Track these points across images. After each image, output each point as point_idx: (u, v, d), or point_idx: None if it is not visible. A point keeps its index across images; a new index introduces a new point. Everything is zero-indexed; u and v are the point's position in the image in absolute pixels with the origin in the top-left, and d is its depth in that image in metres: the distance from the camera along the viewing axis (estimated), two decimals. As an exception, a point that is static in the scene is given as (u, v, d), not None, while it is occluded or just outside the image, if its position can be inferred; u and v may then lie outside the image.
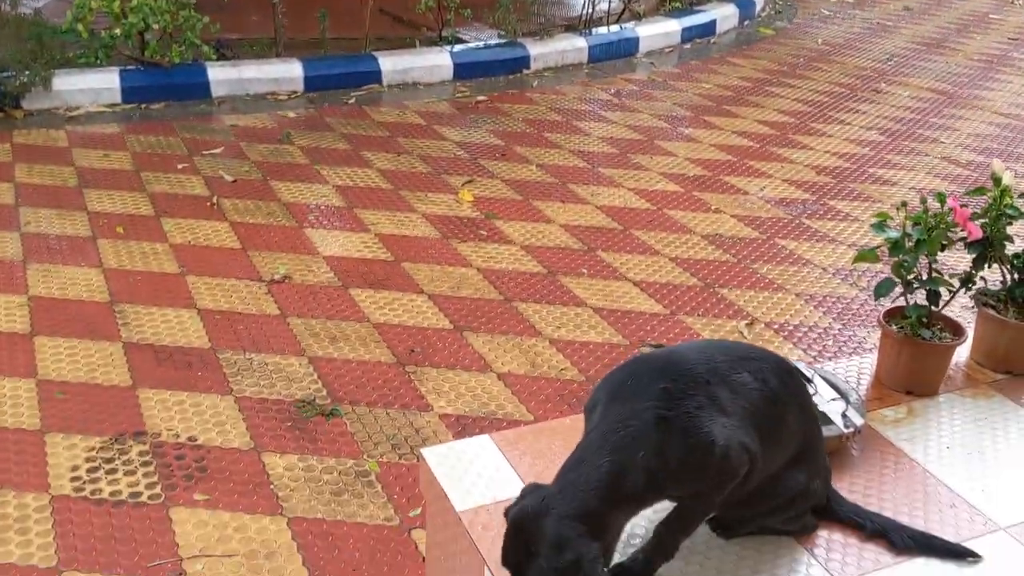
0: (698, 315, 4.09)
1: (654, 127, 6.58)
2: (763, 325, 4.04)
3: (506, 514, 1.73)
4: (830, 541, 1.99)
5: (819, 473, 1.98)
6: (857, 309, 4.20)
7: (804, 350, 3.86)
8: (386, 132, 6.18)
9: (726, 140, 6.37)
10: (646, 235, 4.86)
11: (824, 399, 2.32)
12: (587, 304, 4.13)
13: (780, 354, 2.04)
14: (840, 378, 2.45)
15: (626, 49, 8.32)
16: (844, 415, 2.27)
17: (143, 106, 6.40)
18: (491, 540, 1.95)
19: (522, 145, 6.08)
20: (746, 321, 4.06)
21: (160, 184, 5.18)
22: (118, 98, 6.38)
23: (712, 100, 7.27)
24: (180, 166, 5.45)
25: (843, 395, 2.35)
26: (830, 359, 3.78)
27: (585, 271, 4.43)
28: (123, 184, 5.15)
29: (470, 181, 5.43)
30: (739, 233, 4.94)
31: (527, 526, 1.69)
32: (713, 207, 5.25)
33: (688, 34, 8.90)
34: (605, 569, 1.67)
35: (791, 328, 4.03)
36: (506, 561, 1.71)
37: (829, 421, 2.25)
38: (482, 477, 2.11)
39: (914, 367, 2.50)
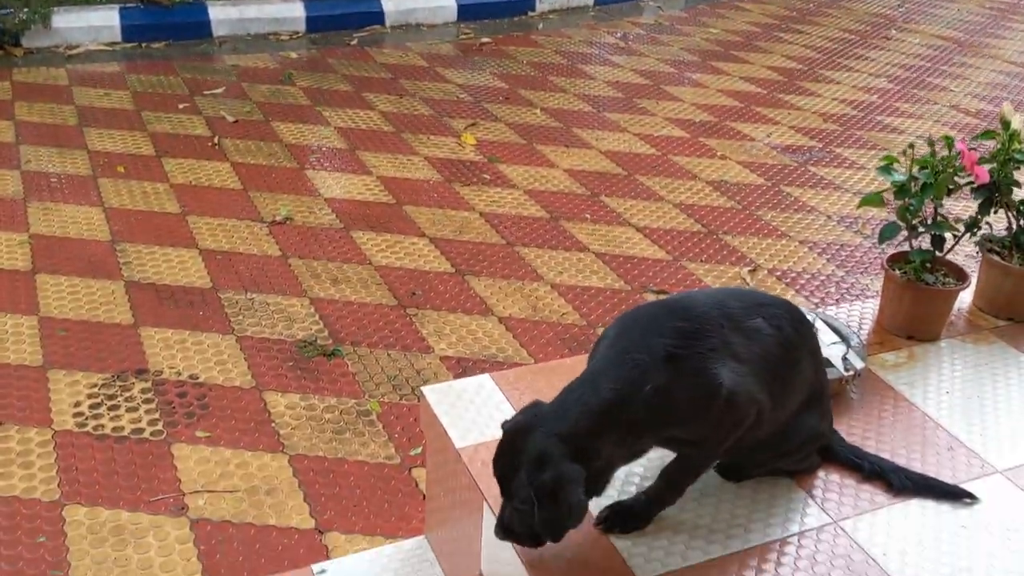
0: (701, 261, 4.08)
1: (660, 72, 6.50)
2: (766, 272, 4.03)
3: (503, 427, 1.74)
4: (827, 482, 2.00)
5: (826, 415, 1.99)
6: (861, 257, 4.19)
7: (807, 297, 3.85)
8: (388, 74, 6.11)
9: (733, 86, 6.30)
10: (650, 181, 4.82)
11: (825, 342, 2.32)
12: (589, 249, 4.11)
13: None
14: (842, 322, 2.44)
15: (633, -8, 8.19)
16: (844, 358, 2.27)
17: (143, 45, 6.32)
18: (490, 476, 1.95)
19: (526, 88, 6.01)
20: (749, 268, 4.05)
21: (161, 124, 5.14)
22: (118, 36, 6.31)
23: (720, 45, 7.17)
24: (181, 106, 5.40)
25: (844, 339, 2.35)
26: (832, 306, 3.77)
27: (588, 216, 4.41)
28: (124, 123, 5.11)
29: (473, 124, 5.38)
30: (744, 180, 4.90)
31: (517, 440, 1.68)
32: (719, 153, 5.21)
33: (697, -22, 8.74)
34: (585, 496, 1.63)
35: (794, 275, 4.02)
36: (495, 473, 1.71)
37: (829, 364, 2.25)
38: (482, 415, 2.12)
39: (916, 312, 2.49)
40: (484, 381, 2.24)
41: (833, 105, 6.04)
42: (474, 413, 2.13)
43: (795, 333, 1.87)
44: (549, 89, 6.03)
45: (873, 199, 2.43)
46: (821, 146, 5.37)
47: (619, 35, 7.31)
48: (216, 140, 4.95)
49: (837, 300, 3.84)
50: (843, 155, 5.26)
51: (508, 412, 2.13)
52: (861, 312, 2.67)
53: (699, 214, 4.50)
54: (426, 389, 2.20)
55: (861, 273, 4.05)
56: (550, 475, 1.61)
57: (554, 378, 2.22)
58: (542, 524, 1.64)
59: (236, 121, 5.22)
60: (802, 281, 3.98)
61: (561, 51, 6.81)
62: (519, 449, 1.66)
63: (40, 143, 4.80)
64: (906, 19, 8.21)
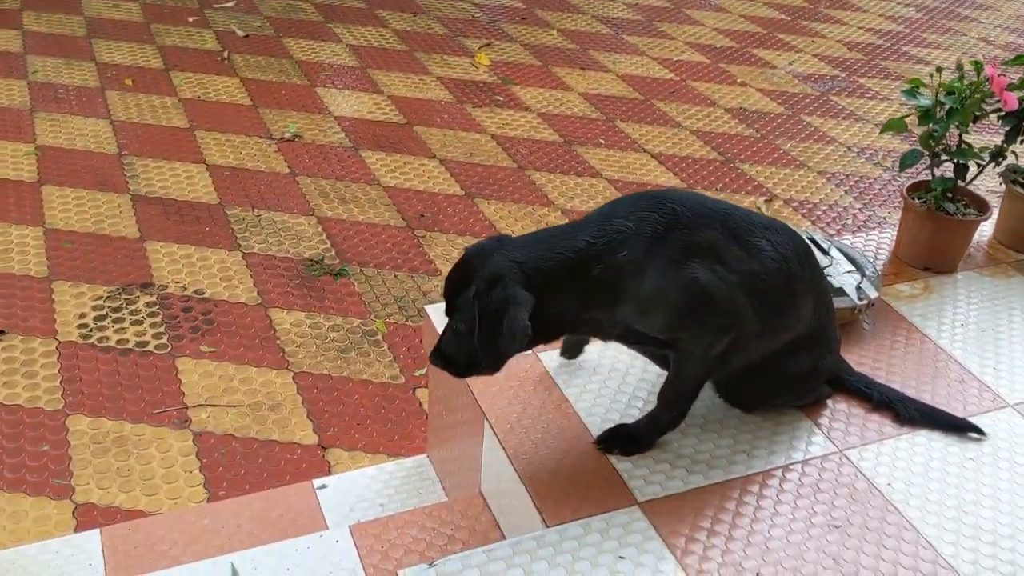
0: (716, 189, 4.00)
1: (682, -4, 6.32)
2: (782, 202, 3.95)
3: (465, 249, 1.70)
4: (835, 411, 1.97)
5: (829, 351, 1.93)
6: (880, 189, 4.10)
7: (823, 228, 3.78)
8: (404, -9, 5.96)
9: (757, 11, 6.13)
10: (668, 106, 4.72)
11: (839, 271, 2.27)
12: (602, 175, 4.04)
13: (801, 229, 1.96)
14: (858, 251, 2.39)
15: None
16: (859, 287, 2.22)
17: (153, -44, 6.17)
18: (492, 396, 1.94)
19: (544, 8, 5.86)
20: (765, 197, 3.97)
21: (170, 37, 5.04)
22: (128, -54, 6.15)
23: (745, -30, 6.95)
24: (191, 19, 5.29)
25: (859, 268, 2.30)
26: (849, 236, 3.71)
27: (603, 141, 4.33)
28: (133, 36, 5.01)
29: (488, 45, 5.26)
30: (764, 108, 4.79)
31: (475, 260, 1.63)
32: (739, 80, 5.08)
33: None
34: (531, 331, 1.57)
35: (811, 205, 3.94)
36: (444, 291, 1.67)
37: (843, 293, 2.20)
38: (485, 335, 2.09)
39: (934, 242, 2.43)
40: (489, 301, 2.20)
41: (858, 34, 5.87)
42: (478, 333, 2.10)
43: (800, 266, 1.80)
44: (567, 10, 5.88)
45: (896, 124, 2.35)
46: (844, 76, 5.24)
47: (641, -43, 7.09)
48: (226, 55, 4.86)
49: (854, 232, 3.77)
50: (866, 85, 5.12)
51: (512, 332, 2.10)
52: (878, 242, 2.61)
53: (716, 142, 4.41)
54: (430, 308, 2.16)
55: (880, 205, 3.97)
56: (499, 293, 1.56)
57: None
58: (481, 343, 1.57)
59: (246, 36, 5.11)
60: (819, 212, 3.90)
61: (581, -28, 6.62)
62: (474, 268, 1.61)
63: (48, 53, 4.72)
64: (939, -53, 7.94)
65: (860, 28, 5.97)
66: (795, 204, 3.94)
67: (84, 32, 5.00)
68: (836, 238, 2.51)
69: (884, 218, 3.86)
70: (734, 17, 6.00)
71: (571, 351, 2.03)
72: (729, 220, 1.74)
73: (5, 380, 2.70)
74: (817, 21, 6.04)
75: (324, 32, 5.26)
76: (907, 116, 2.37)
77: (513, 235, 1.71)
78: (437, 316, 2.14)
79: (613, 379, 2.00)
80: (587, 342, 2.03)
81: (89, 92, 4.38)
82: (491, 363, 1.63)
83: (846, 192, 4.06)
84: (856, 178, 4.18)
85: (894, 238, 2.57)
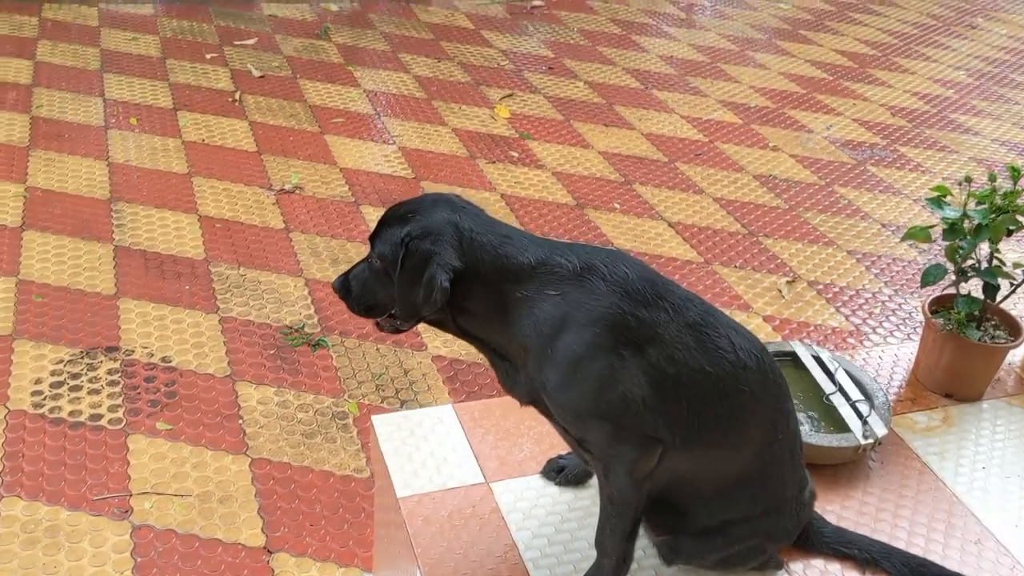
0: (735, 266, 3.74)
1: (720, 48, 6.09)
2: (806, 283, 3.68)
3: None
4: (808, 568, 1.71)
5: (786, 499, 1.64)
6: (914, 274, 3.81)
7: (847, 316, 3.50)
8: (430, 34, 5.80)
9: (797, 69, 5.87)
10: (691, 170, 4.48)
11: (845, 400, 2.00)
12: (613, 244, 3.80)
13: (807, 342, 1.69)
14: (868, 374, 2.12)
15: (703, -40, 7.71)
16: (865, 421, 1.95)
17: (182, -13, 6.10)
18: (430, 537, 1.70)
19: (573, 59, 5.66)
20: (787, 277, 3.70)
21: (184, 74, 4.92)
22: (157, -23, 6.08)
23: (789, 23, 6.71)
24: (209, 56, 5.17)
25: (868, 396, 2.03)
26: (874, 330, 3.43)
27: (617, 206, 4.09)
28: (146, 71, 4.90)
29: (510, 95, 5.06)
30: (795, 175, 4.52)
31: (425, 205, 1.52)
32: (771, 144, 4.83)
33: (773, -53, 8.22)
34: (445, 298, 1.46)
35: (836, 289, 3.67)
36: (381, 218, 1.55)
37: (846, 428, 1.94)
38: (434, 457, 1.86)
39: (957, 368, 2.15)
40: (445, 413, 1.97)
41: (903, 98, 5.58)
42: (426, 454, 1.87)
43: (760, 381, 1.54)
44: (597, 61, 5.67)
45: (919, 233, 2.09)
46: (885, 144, 4.95)
47: (682, 5, 6.88)
48: (238, 96, 4.72)
49: (880, 323, 3.48)
50: (908, 156, 4.83)
51: (464, 456, 1.87)
52: (896, 356, 2.34)
53: (740, 211, 4.15)
54: (376, 419, 1.94)
55: (911, 294, 3.68)
56: (428, 247, 1.45)
57: (526, 417, 1.96)
58: (399, 289, 1.48)
59: (262, 76, 4.98)
60: (844, 297, 3.62)
61: (617, 19, 6.42)
62: (420, 211, 1.50)
63: (56, 87, 4.62)
64: (995, 6, 7.62)
65: (906, 92, 5.68)
66: (819, 287, 3.67)
67: (98, 65, 4.90)
68: (846, 356, 2.24)
69: (914, 309, 3.57)
70: (773, 75, 5.74)
71: (558, 473, 1.80)
72: (688, 307, 1.50)
73: (-57, 452, 2.53)
74: (861, 82, 5.76)
75: (342, 75, 5.10)
76: (932, 226, 2.11)
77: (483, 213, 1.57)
78: (384, 430, 1.91)
79: (571, 521, 1.75)
80: (589, 475, 1.79)
81: (91, 131, 4.26)
82: (405, 312, 1.52)
83: (876, 276, 3.78)
84: (889, 260, 3.90)
85: (915, 353, 2.30)
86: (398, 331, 1.59)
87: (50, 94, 4.54)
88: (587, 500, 1.79)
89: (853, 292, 3.66)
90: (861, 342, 3.36)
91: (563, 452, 1.86)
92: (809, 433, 1.91)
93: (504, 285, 1.48)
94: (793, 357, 2.14)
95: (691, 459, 1.54)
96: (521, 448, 1.90)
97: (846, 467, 1.94)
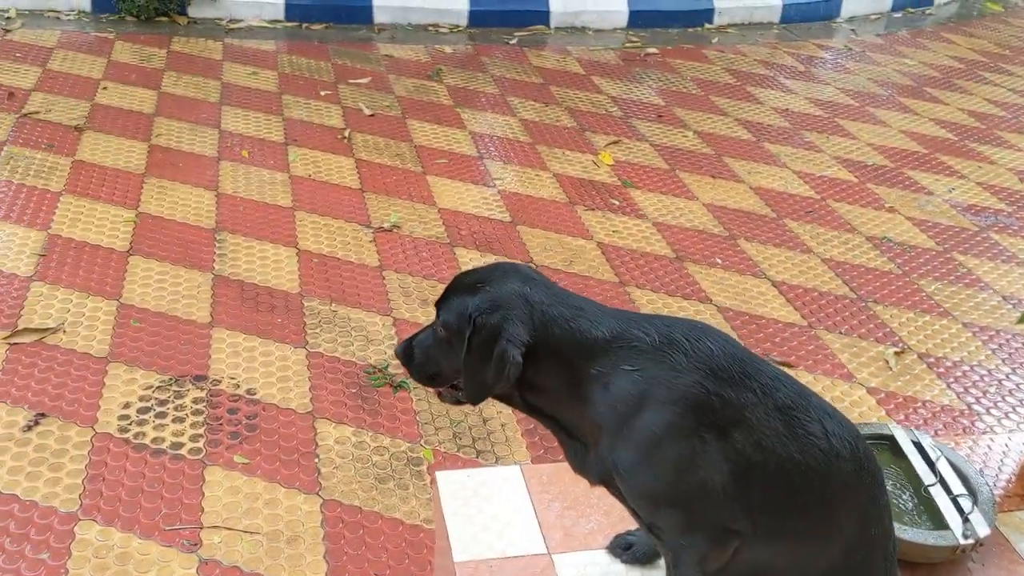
0: (840, 332, 3.56)
1: (839, 103, 5.90)
2: (915, 356, 3.47)
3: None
4: None
5: None
6: (1035, 352, 3.56)
7: (959, 393, 3.28)
8: (540, 79, 5.80)
9: (920, 128, 5.63)
10: (800, 228, 4.31)
11: (946, 492, 1.84)
12: (712, 301, 3.67)
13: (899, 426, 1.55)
14: (973, 466, 1.95)
15: (826, 11, 7.54)
16: (966, 519, 1.79)
17: (304, 26, 6.28)
18: (482, 607, 1.63)
19: (684, 107, 5.57)
20: (896, 348, 3.50)
21: (298, 110, 5.04)
22: (281, 14, 6.29)
23: (914, 80, 6.46)
24: (323, 93, 5.29)
25: (972, 490, 1.87)
26: (987, 411, 3.20)
27: (719, 261, 3.96)
28: (262, 105, 5.04)
29: (616, 142, 5.00)
30: (912, 239, 4.31)
31: (496, 275, 1.45)
32: (887, 205, 4.62)
33: (901, 1, 7.98)
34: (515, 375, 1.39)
35: (949, 364, 3.44)
36: (449, 284, 1.51)
37: (944, 525, 1.78)
38: (496, 521, 1.78)
39: (1077, 466, 1.97)
40: (512, 474, 1.90)
41: (1035, 162, 5.28)
42: (488, 516, 1.80)
43: (855, 470, 1.41)
44: (708, 110, 5.56)
45: (1037, 318, 1.92)
46: (1011, 210, 4.68)
47: (801, 57, 6.72)
48: (347, 133, 4.80)
49: (995, 403, 3.25)
50: (1036, 224, 4.55)
51: (527, 522, 1.79)
52: (1007, 447, 2.16)
53: (849, 275, 3.97)
54: (441, 475, 1.88)
55: (1032, 373, 3.43)
56: (497, 321, 1.38)
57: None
58: (467, 367, 1.41)
59: (373, 115, 5.05)
60: (957, 373, 3.40)
61: (732, 69, 6.30)
62: (491, 282, 1.43)
63: (176, 117, 4.79)
64: None
65: (1038, 155, 5.37)
66: (930, 360, 3.45)
67: (217, 98, 5.07)
68: (949, 445, 2.07)
69: (1035, 391, 3.32)
70: (893, 132, 5.52)
71: (626, 551, 1.71)
72: (778, 388, 1.39)
73: (30, 471, 2.59)
74: (988, 144, 5.48)
75: (450, 117, 5.14)
76: (1052, 310, 1.94)
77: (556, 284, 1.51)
78: (447, 488, 1.85)
79: (634, 604, 1.65)
80: (659, 555, 1.70)
81: (204, 160, 4.39)
82: (473, 392, 1.45)
83: (993, 352, 3.54)
84: (1008, 335, 3.65)
85: (1030, 444, 2.12)
86: (459, 403, 1.53)
87: (169, 124, 4.71)
88: (649, 581, 1.69)
89: (967, 368, 3.43)
90: (973, 423, 3.13)
91: (633, 528, 1.76)
92: (903, 528, 1.76)
93: (577, 361, 1.41)
94: (891, 441, 1.99)
95: (773, 553, 1.42)
96: (589, 519, 1.81)
97: (943, 567, 1.78)
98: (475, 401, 1.47)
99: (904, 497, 1.88)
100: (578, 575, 1.69)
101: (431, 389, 1.57)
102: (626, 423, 1.37)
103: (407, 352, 1.51)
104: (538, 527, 1.78)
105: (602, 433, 1.41)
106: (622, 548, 1.73)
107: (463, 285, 1.47)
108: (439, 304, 1.49)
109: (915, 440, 1.97)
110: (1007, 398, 3.29)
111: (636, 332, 1.41)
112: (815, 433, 1.38)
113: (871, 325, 3.63)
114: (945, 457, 1.93)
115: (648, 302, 3.62)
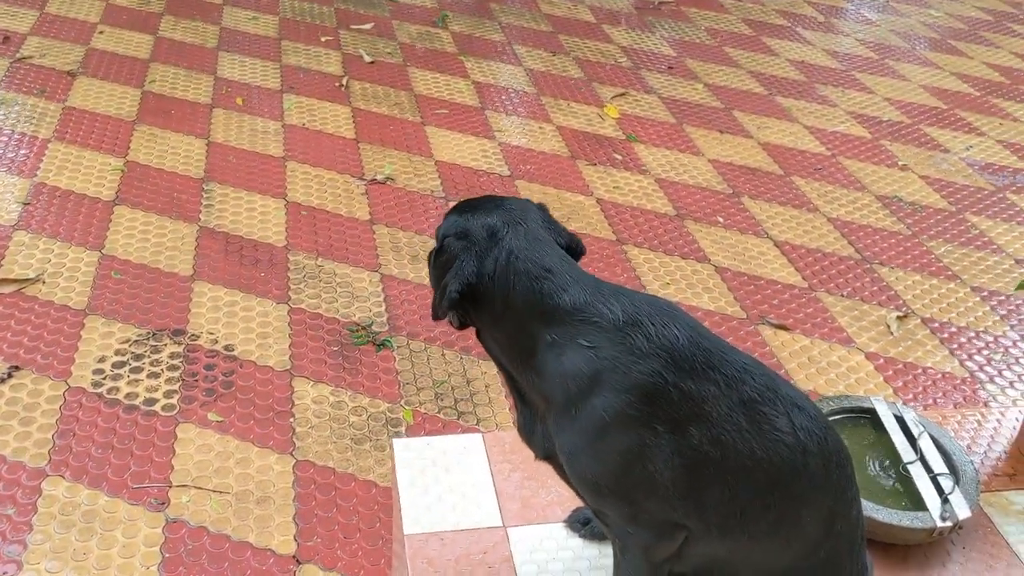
0: (842, 295, 3.45)
1: (857, 56, 5.70)
2: (919, 320, 3.36)
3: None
4: None
5: None
6: (1046, 318, 3.43)
7: (962, 360, 3.17)
8: (549, 27, 5.64)
9: (940, 82, 5.43)
10: (808, 185, 4.17)
11: (925, 471, 1.75)
12: (710, 261, 3.56)
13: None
14: (959, 443, 1.86)
15: (850, -40, 7.26)
16: (946, 499, 1.70)
17: (309, -31, 6.12)
18: (430, 581, 1.56)
19: (695, 59, 5.40)
20: (899, 312, 3.38)
21: (297, 56, 4.92)
22: (286, -43, 6.13)
23: (938, 31, 6.24)
24: (324, 39, 5.16)
25: (955, 469, 1.77)
26: (991, 379, 3.09)
27: (721, 220, 3.84)
28: (260, 51, 4.92)
29: (623, 94, 4.85)
30: (923, 199, 4.16)
31: (488, 207, 1.39)
32: (900, 162, 4.46)
33: (930, -51, 7.68)
34: (456, 299, 1.34)
35: (954, 329, 3.33)
36: (459, 202, 1.48)
37: (922, 506, 1.69)
38: (452, 492, 1.71)
39: (1070, 445, 1.87)
40: (472, 443, 1.83)
41: (1059, 120, 5.09)
42: (444, 487, 1.72)
43: (823, 466, 1.32)
44: (721, 62, 5.39)
45: (1032, 290, 1.81)
46: (1031, 169, 4.51)
47: (822, 7, 6.49)
48: (344, 81, 4.68)
49: (999, 371, 3.14)
50: (1056, 184, 4.39)
51: (485, 494, 1.72)
52: (999, 423, 2.06)
53: (856, 235, 3.84)
54: (398, 443, 1.81)
55: (1040, 341, 3.31)
56: (459, 247, 1.35)
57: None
58: (430, 274, 1.45)
59: (373, 62, 4.93)
60: (962, 339, 3.29)
61: (749, 19, 6.10)
62: (475, 211, 1.39)
63: (171, 62, 4.69)
64: None
65: (1063, 112, 5.17)
66: (934, 325, 3.34)
67: (215, 43, 4.95)
68: (933, 421, 1.97)
69: (1042, 359, 3.20)
70: (912, 87, 5.33)
71: (584, 525, 1.65)
72: (745, 380, 1.30)
73: (1, 424, 2.54)
74: (1012, 100, 5.28)
75: (453, 65, 5.00)
76: (1049, 280, 1.83)
77: (559, 232, 1.44)
78: (404, 456, 1.78)
79: (589, 582, 1.58)
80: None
81: (198, 108, 4.29)
82: (432, 306, 1.42)
83: (1001, 317, 3.42)
84: (1019, 300, 3.52)
85: (1022, 420, 2.01)
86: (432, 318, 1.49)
87: (164, 69, 4.61)
88: (611, 559, 1.61)
89: (973, 334, 3.32)
90: (975, 392, 3.03)
91: (591, 502, 1.69)
92: (876, 508, 1.67)
93: (533, 321, 1.32)
94: (872, 415, 1.90)
95: (731, 549, 1.34)
96: (549, 491, 1.73)
97: (920, 549, 1.69)
98: (432, 315, 1.43)
99: (883, 475, 1.79)
100: (531, 549, 1.62)
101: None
102: (575, 404, 1.28)
103: (437, 246, 1.47)
104: (495, 498, 1.71)
105: (549, 409, 1.33)
106: (580, 523, 1.66)
107: (461, 206, 1.43)
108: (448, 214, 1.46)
109: (897, 414, 1.87)
110: (1013, 366, 3.18)
111: (600, 307, 1.31)
112: (782, 428, 1.29)
113: (875, 288, 3.52)
114: (928, 433, 1.83)
115: (645, 261, 3.52)
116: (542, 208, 1.45)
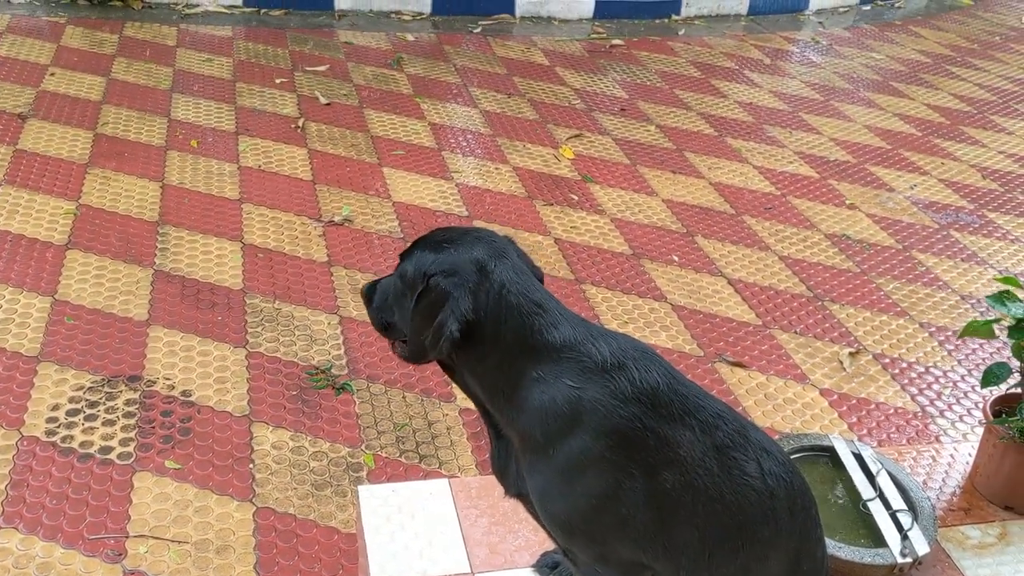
0: (795, 332, 3.51)
1: (804, 97, 5.85)
2: (871, 356, 3.43)
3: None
4: None
5: None
6: (992, 354, 3.52)
7: (913, 395, 3.24)
8: (503, 69, 5.71)
9: (884, 123, 5.59)
10: (759, 225, 4.26)
11: (885, 508, 1.79)
12: (667, 299, 3.61)
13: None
14: (916, 480, 1.90)
15: (794, 3, 7.49)
16: (905, 536, 1.74)
17: (263, 11, 6.15)
18: (398, 632, 1.55)
19: (647, 101, 5.50)
20: (851, 348, 3.45)
21: (252, 98, 4.92)
22: None
23: (880, 74, 6.43)
24: (279, 80, 5.17)
25: (913, 506, 1.81)
26: (941, 413, 3.16)
27: (676, 259, 3.90)
28: (215, 93, 4.92)
29: (577, 136, 4.92)
30: (871, 237, 4.26)
31: (467, 241, 1.38)
32: (848, 201, 4.57)
33: (870, -6, 7.95)
34: (454, 339, 1.34)
35: (904, 365, 3.40)
36: (418, 238, 1.46)
37: (882, 543, 1.73)
38: (419, 539, 1.71)
39: (1019, 479, 1.92)
40: (438, 489, 1.83)
41: (997, 160, 5.26)
42: (410, 534, 1.72)
43: (788, 510, 1.35)
44: (672, 104, 5.50)
45: (979, 328, 1.87)
46: (973, 207, 4.65)
47: (768, 50, 6.66)
48: (301, 123, 4.69)
49: (949, 406, 3.21)
50: (997, 222, 4.53)
51: (452, 539, 1.72)
52: (952, 458, 2.11)
53: (807, 272, 3.92)
54: (363, 490, 1.81)
55: (987, 375, 3.39)
56: (451, 284, 1.31)
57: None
58: (412, 324, 1.36)
59: (329, 104, 4.95)
60: (912, 374, 3.36)
61: (697, 62, 6.24)
62: (459, 245, 1.37)
63: (124, 104, 4.66)
64: (1108, 65, 7.19)
65: (1001, 152, 5.35)
66: (885, 361, 3.41)
67: (168, 85, 4.94)
68: (889, 458, 2.02)
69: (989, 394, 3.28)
70: (857, 127, 5.48)
71: (552, 569, 1.64)
72: (718, 426, 1.32)
73: (-52, 476, 2.48)
74: (952, 140, 5.45)
75: (409, 107, 5.04)
76: (996, 320, 1.89)
77: (535, 269, 1.46)
78: (369, 504, 1.78)
79: (558, 627, 1.58)
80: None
81: (151, 150, 4.26)
82: (412, 351, 1.40)
83: (949, 353, 3.50)
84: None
85: (974, 455, 2.07)
86: (405, 359, 1.47)
87: (117, 112, 4.57)
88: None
89: (922, 369, 3.40)
90: (926, 426, 3.09)
91: (559, 545, 1.69)
92: (838, 545, 1.70)
93: (521, 357, 1.33)
94: (831, 453, 1.94)
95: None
96: (516, 536, 1.74)
97: (880, 586, 1.72)
98: (413, 360, 1.42)
99: (843, 513, 1.83)
100: (500, 597, 1.63)
101: (386, 341, 1.52)
102: (553, 443, 1.30)
103: (370, 292, 1.47)
104: (463, 544, 1.71)
105: (526, 446, 1.34)
106: (548, 567, 1.67)
107: (432, 240, 1.40)
108: (403, 254, 1.42)
109: (856, 452, 1.91)
110: (962, 400, 3.25)
111: (589, 347, 1.33)
112: (751, 473, 1.32)
113: (827, 325, 3.59)
114: (886, 470, 1.88)
115: (603, 300, 3.56)
116: (510, 240, 1.46)
